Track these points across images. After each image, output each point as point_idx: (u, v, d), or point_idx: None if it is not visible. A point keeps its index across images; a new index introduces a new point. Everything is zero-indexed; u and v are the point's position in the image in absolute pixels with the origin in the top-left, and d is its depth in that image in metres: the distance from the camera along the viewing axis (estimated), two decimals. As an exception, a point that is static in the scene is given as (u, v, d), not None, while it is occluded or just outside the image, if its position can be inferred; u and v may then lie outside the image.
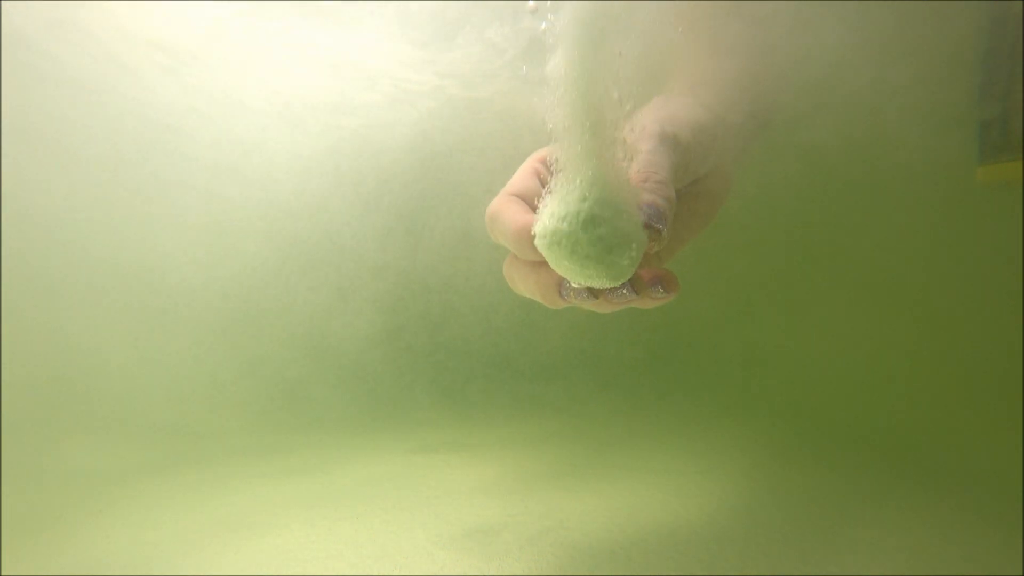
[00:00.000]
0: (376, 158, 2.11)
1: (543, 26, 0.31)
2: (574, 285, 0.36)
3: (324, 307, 2.63)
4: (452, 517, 0.86)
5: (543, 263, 0.37)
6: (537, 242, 0.34)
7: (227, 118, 1.78)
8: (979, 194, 1.14)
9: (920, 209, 1.41)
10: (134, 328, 2.00)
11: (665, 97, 0.48)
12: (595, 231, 0.31)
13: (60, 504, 1.06)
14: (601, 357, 2.47)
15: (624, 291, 0.36)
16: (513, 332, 2.67)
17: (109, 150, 1.85)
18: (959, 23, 0.94)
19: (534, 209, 0.38)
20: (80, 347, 1.81)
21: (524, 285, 0.41)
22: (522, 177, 0.41)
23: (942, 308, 1.37)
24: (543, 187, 0.37)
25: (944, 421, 1.21)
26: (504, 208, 0.38)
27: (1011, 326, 1.13)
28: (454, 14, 1.11)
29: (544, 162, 0.41)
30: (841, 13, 0.90)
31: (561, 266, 0.34)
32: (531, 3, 1.00)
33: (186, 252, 2.23)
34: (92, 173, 1.89)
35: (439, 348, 2.77)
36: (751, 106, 0.53)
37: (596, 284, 0.34)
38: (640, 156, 0.37)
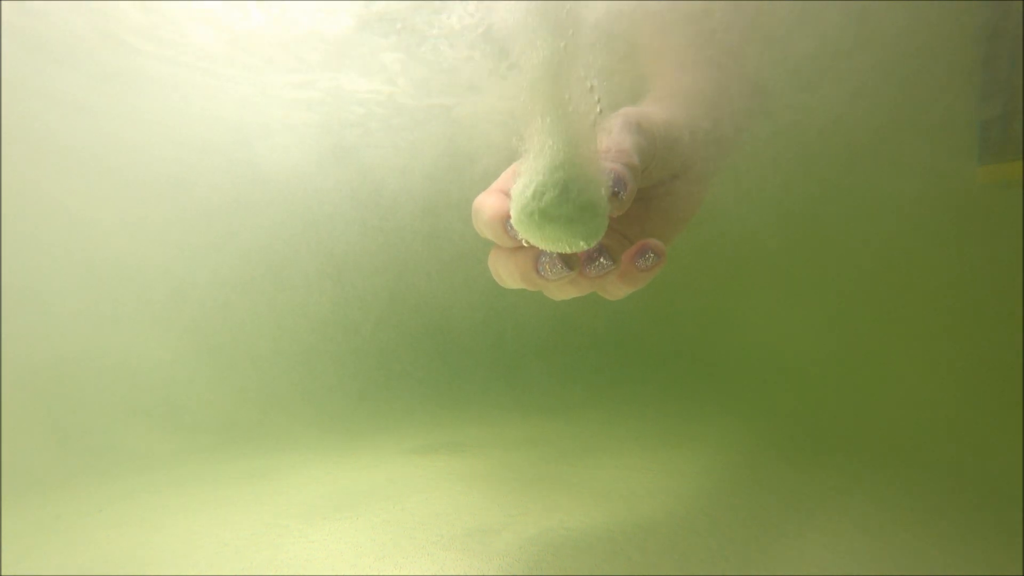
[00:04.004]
0: (369, 165, 2.11)
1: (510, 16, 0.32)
2: (548, 260, 0.37)
3: (325, 308, 2.64)
4: (452, 517, 0.86)
5: (520, 248, 0.38)
6: (512, 216, 0.35)
7: (222, 124, 1.78)
8: (979, 194, 1.14)
9: (920, 209, 1.41)
10: (134, 327, 2.00)
11: (634, 105, 0.49)
12: (560, 194, 0.33)
13: (60, 504, 1.06)
14: (601, 359, 2.48)
15: (602, 260, 0.37)
16: (514, 334, 2.67)
17: (115, 158, 1.85)
18: (959, 24, 0.94)
19: None
20: (78, 350, 1.81)
21: (506, 273, 0.42)
22: (508, 176, 0.42)
23: (942, 307, 1.37)
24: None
25: (944, 421, 1.21)
26: (485, 199, 0.40)
27: (1011, 326, 1.13)
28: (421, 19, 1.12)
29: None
30: (842, 14, 0.90)
31: (532, 233, 0.35)
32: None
33: (190, 254, 2.23)
34: (108, 181, 1.90)
35: (439, 349, 2.77)
36: (722, 115, 0.54)
37: (566, 247, 0.35)
38: (605, 137, 0.39)
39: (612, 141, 0.39)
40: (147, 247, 2.14)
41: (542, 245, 0.36)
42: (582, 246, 0.35)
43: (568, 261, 0.37)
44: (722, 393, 1.81)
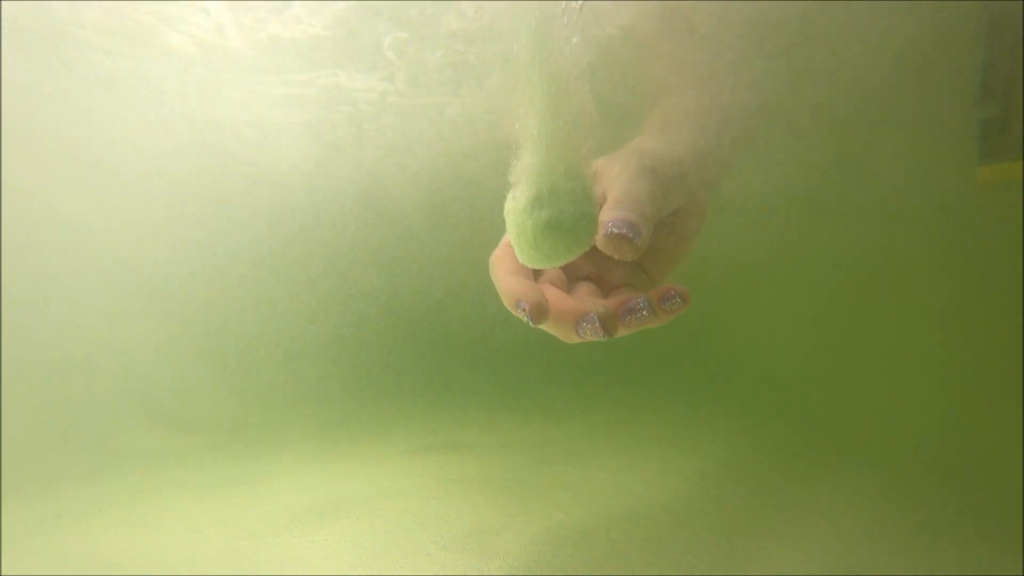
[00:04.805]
0: (366, 164, 2.11)
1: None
2: (589, 325, 0.37)
3: (324, 308, 2.64)
4: (452, 517, 0.86)
5: (562, 309, 0.38)
6: (515, 250, 0.37)
7: (220, 128, 1.79)
8: (979, 194, 1.14)
9: (920, 209, 1.41)
10: (133, 327, 2.00)
11: (645, 137, 0.49)
12: (540, 211, 0.34)
13: (61, 503, 1.06)
14: (601, 363, 2.48)
15: (644, 313, 0.37)
16: (517, 336, 2.67)
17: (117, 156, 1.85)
18: (959, 24, 0.94)
19: None
20: (78, 350, 1.81)
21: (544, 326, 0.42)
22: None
23: (941, 307, 1.37)
24: None
25: (944, 421, 1.21)
26: (500, 264, 0.40)
27: (1011, 326, 1.13)
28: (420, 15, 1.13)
29: None
30: (841, 15, 0.90)
31: (521, 250, 0.36)
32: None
33: (189, 254, 2.23)
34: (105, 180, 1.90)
35: (440, 349, 2.77)
36: (723, 134, 0.55)
37: (554, 261, 0.36)
38: (619, 184, 0.40)
39: (625, 189, 0.39)
40: (146, 248, 2.14)
41: (532, 262, 0.37)
42: (564, 260, 0.36)
43: (607, 327, 0.37)
44: (720, 393, 1.81)
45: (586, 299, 0.38)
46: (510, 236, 0.37)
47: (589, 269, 0.44)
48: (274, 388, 2.09)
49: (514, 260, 0.39)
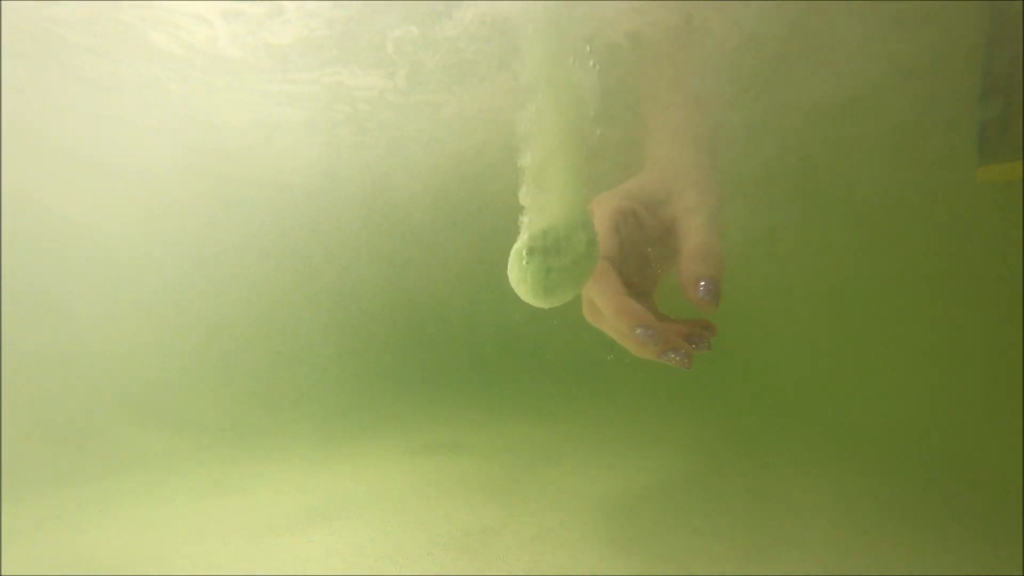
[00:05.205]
0: (366, 163, 2.11)
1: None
2: (678, 356, 0.39)
3: (325, 310, 2.64)
4: (452, 517, 0.86)
5: (659, 341, 0.39)
6: (514, 286, 0.39)
7: (223, 128, 1.79)
8: (979, 194, 1.14)
9: (920, 209, 1.41)
10: (134, 327, 2.00)
11: (689, 167, 0.50)
12: (530, 261, 0.36)
13: (60, 503, 1.06)
14: (600, 365, 2.48)
15: (707, 349, 0.40)
16: (515, 337, 2.67)
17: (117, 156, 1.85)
18: (959, 24, 0.94)
19: (625, 260, 0.43)
20: (78, 350, 1.81)
21: (623, 342, 0.43)
22: (606, 237, 0.43)
23: (941, 307, 1.37)
24: (620, 237, 0.42)
25: (943, 421, 1.21)
26: (605, 285, 0.41)
27: (1011, 326, 1.13)
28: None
29: (622, 213, 0.45)
30: (842, 15, 0.90)
31: (521, 292, 0.38)
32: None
33: (189, 255, 2.23)
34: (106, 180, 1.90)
35: (441, 350, 2.77)
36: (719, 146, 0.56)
37: (550, 304, 0.38)
38: (694, 230, 0.42)
39: (708, 241, 0.41)
40: (147, 248, 2.14)
41: (543, 305, 0.38)
42: (548, 303, 0.38)
43: (690, 359, 0.39)
44: (720, 393, 1.81)
45: (676, 332, 0.39)
46: (509, 277, 0.38)
47: (634, 277, 0.45)
48: (274, 388, 2.09)
49: (615, 279, 0.40)
